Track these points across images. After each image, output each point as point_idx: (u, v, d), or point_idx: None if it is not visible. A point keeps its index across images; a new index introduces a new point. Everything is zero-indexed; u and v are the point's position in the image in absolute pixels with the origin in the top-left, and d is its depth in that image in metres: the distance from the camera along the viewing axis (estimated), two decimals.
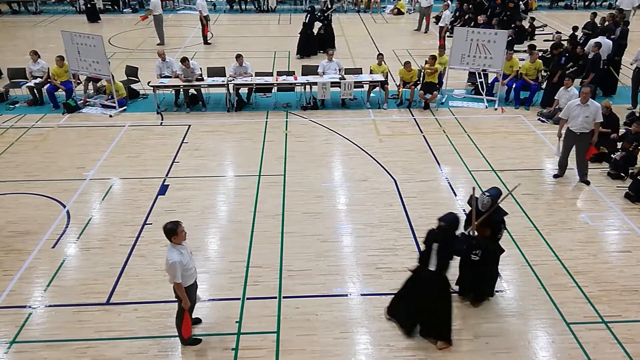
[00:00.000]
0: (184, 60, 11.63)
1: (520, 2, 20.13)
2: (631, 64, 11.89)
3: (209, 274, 6.70)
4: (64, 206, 8.16)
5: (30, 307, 6.15)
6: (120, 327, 5.84)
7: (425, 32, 18.43)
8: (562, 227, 7.60)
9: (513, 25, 17.37)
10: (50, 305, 6.18)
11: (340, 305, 6.18)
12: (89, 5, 20.38)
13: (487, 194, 5.73)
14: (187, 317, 5.33)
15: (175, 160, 9.59)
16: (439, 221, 5.32)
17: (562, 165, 8.91)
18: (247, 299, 6.27)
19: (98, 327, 5.85)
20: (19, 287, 6.47)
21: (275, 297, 6.27)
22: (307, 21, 15.96)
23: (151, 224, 7.72)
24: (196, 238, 7.38)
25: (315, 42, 16.25)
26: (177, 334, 5.53)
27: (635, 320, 5.92)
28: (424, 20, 18.87)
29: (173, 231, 5.02)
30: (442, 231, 5.30)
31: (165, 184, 8.81)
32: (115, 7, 22.93)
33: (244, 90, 12.22)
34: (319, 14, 16.55)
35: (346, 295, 6.34)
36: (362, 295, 6.34)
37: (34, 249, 7.16)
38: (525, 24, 18.03)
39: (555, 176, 8.95)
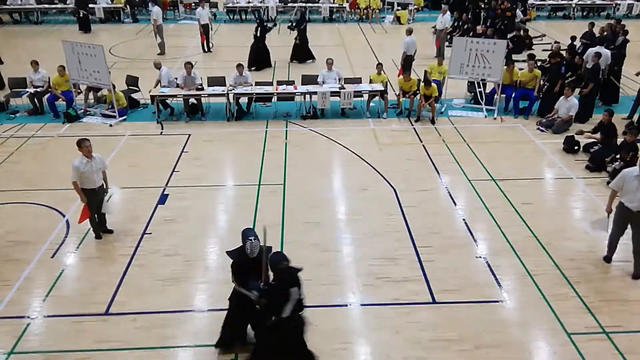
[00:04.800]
0: (188, 64, 11.70)
1: (519, 12, 20.27)
2: (636, 75, 11.90)
3: (208, 283, 6.67)
4: (64, 216, 8.16)
5: (28, 317, 6.12)
6: (119, 338, 5.81)
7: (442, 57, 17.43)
8: (562, 236, 7.59)
9: (511, 35, 17.47)
10: (48, 316, 6.15)
11: (340, 316, 6.15)
12: (81, 16, 20.46)
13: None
14: (84, 208, 7.18)
15: (175, 170, 9.59)
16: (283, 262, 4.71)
17: (612, 246, 7.00)
18: None
19: (97, 338, 5.81)
20: (17, 297, 6.44)
21: None
22: (257, 34, 15.83)
23: (150, 233, 7.71)
24: (196, 248, 7.37)
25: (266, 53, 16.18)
26: (177, 345, 5.51)
27: (636, 331, 5.89)
28: (437, 43, 17.66)
29: (78, 144, 7.03)
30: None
31: (165, 193, 8.80)
32: (116, 17, 23.06)
33: (244, 100, 12.26)
34: (292, 24, 16.71)
35: (346, 305, 6.32)
36: (362, 305, 6.31)
37: (33, 258, 7.14)
38: (522, 33, 18.12)
39: (605, 258, 7.06)
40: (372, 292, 6.51)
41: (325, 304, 6.30)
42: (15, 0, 22.62)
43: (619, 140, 9.61)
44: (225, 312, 5.56)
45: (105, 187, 7.45)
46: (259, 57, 15.90)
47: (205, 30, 17.52)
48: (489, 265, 6.98)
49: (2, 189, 8.97)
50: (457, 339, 5.78)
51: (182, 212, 8.25)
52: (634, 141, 8.87)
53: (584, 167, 9.58)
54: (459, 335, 5.83)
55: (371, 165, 9.73)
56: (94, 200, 7.25)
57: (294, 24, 16.68)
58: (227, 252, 5.26)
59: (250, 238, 5.03)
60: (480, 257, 7.18)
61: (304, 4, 23.26)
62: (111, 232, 7.66)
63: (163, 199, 8.64)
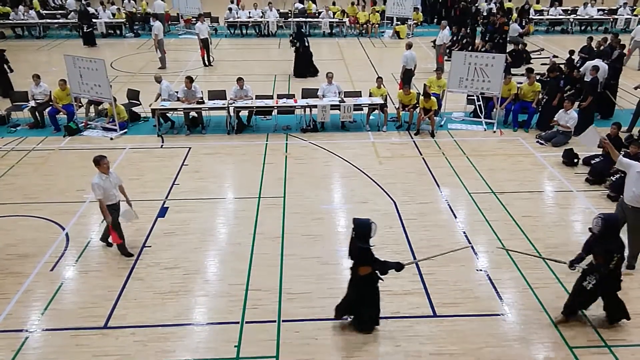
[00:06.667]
0: (188, 78, 11.76)
1: (517, 26, 20.42)
2: (635, 89, 11.96)
3: (207, 297, 6.64)
4: (63, 229, 8.14)
5: (27, 330, 6.08)
6: (117, 352, 5.77)
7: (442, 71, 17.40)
8: (564, 249, 7.55)
9: (510, 50, 17.59)
10: (47, 329, 6.11)
11: (340, 329, 6.11)
12: (85, 30, 20.61)
13: (601, 215, 5.72)
14: (111, 229, 7.09)
15: (175, 183, 9.60)
16: None
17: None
18: (246, 322, 6.21)
19: (95, 352, 5.77)
20: (16, 310, 6.41)
21: (275, 321, 6.21)
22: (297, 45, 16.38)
23: (150, 246, 7.69)
24: (195, 261, 7.35)
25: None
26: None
27: (638, 345, 5.85)
28: (439, 58, 17.48)
29: (97, 162, 6.97)
30: None
31: (165, 206, 8.80)
32: (118, 32, 23.24)
33: (244, 113, 12.31)
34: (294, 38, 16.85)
35: (346, 318, 6.27)
36: None
37: (32, 271, 7.12)
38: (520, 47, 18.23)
39: None
40: None
41: (325, 317, 6.26)
42: (18, 15, 22.83)
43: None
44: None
45: (127, 200, 7.41)
46: (303, 66, 16.52)
47: (205, 45, 17.66)
48: (489, 278, 6.96)
49: (2, 201, 8.96)
50: (458, 352, 5.73)
51: (182, 225, 8.24)
52: (637, 153, 8.85)
53: (584, 179, 9.59)
54: (460, 349, 5.79)
55: (371, 178, 9.74)
56: (115, 216, 7.18)
57: (295, 41, 16.76)
58: (364, 247, 5.56)
59: (372, 222, 5.54)
60: (480, 270, 7.16)
61: (303, 19, 23.48)
62: (110, 245, 7.62)
63: (163, 211, 8.63)
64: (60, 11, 24.84)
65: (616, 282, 5.90)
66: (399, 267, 5.77)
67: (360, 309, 5.99)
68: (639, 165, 6.67)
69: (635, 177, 6.61)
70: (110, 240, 7.46)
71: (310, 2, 25.48)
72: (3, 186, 9.51)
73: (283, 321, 6.22)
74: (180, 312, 6.38)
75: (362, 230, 5.55)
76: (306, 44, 16.49)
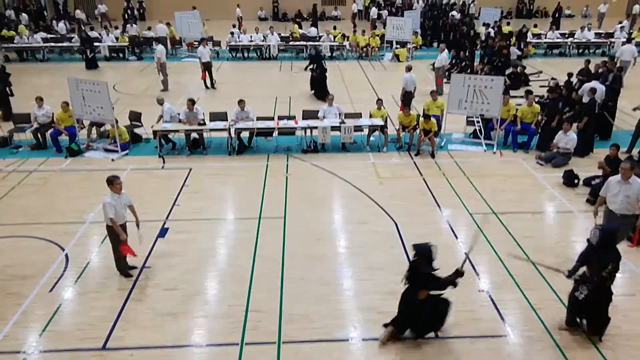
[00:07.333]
0: (190, 100, 11.87)
1: (515, 49, 20.69)
2: (633, 110, 12.06)
3: (206, 318, 6.59)
4: (63, 249, 8.12)
5: (24, 352, 6.02)
6: None
7: (438, 93, 16.38)
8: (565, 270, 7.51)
9: (509, 72, 17.79)
10: (45, 351, 6.05)
11: (340, 351, 6.05)
12: (88, 55, 20.87)
13: (599, 226, 6.02)
14: (124, 245, 7.09)
15: (176, 204, 9.60)
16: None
17: None
18: (246, 344, 6.15)
19: None
20: (13, 332, 6.35)
21: (275, 343, 6.14)
22: (314, 67, 16.84)
23: (150, 267, 7.66)
24: (195, 282, 7.31)
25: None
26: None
27: None
28: (438, 81, 17.65)
29: (110, 182, 6.97)
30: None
31: (165, 227, 8.79)
32: (121, 55, 23.54)
33: (245, 134, 12.39)
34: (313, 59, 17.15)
35: (347, 340, 6.22)
36: (363, 340, 6.22)
37: (31, 292, 7.07)
38: (519, 70, 18.43)
39: None
40: (373, 326, 6.40)
41: (326, 338, 6.21)
42: (22, 38, 23.18)
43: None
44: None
45: (137, 220, 7.40)
46: (319, 87, 16.89)
47: (207, 68, 17.89)
48: (491, 299, 6.91)
49: (2, 222, 8.96)
50: None
51: (182, 245, 8.22)
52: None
53: (584, 200, 9.59)
54: None
55: (372, 199, 9.74)
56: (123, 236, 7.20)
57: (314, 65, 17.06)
58: (426, 273, 5.71)
59: (431, 244, 5.76)
60: (482, 290, 7.11)
61: (304, 42, 23.83)
62: (131, 275, 7.49)
63: (163, 232, 8.62)
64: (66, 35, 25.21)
65: (606, 292, 5.92)
66: (454, 284, 5.80)
67: (422, 321, 6.08)
68: (615, 177, 7.34)
69: (619, 186, 7.21)
70: (129, 258, 7.48)
71: (295, 25, 26.04)
72: (4, 207, 9.51)
73: (283, 343, 6.16)
74: (180, 333, 6.32)
75: (425, 254, 5.71)
76: (324, 67, 16.90)
